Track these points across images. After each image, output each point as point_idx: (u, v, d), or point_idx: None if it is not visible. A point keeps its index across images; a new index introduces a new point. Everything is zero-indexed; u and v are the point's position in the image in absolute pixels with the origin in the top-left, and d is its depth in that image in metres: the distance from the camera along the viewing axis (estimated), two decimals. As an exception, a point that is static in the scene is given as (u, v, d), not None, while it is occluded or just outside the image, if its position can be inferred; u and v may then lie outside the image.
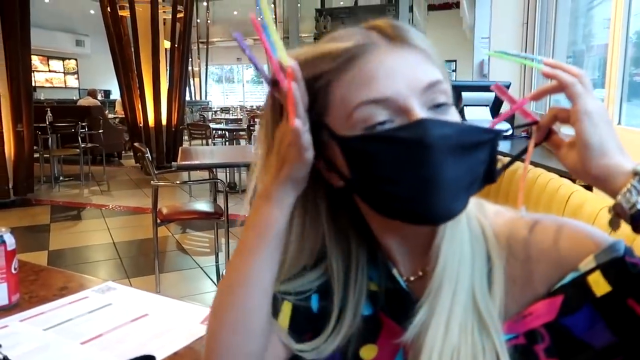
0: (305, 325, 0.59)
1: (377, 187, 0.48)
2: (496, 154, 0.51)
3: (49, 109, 6.66)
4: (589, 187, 1.56)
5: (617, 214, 0.46)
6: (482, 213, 0.56)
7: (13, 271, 0.92)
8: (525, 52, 3.40)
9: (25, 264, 1.10)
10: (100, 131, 7.14)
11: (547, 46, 2.86)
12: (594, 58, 3.29)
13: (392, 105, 0.47)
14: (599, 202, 0.88)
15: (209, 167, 3.34)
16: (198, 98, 17.81)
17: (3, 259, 0.90)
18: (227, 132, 7.38)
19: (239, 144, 7.02)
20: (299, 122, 0.46)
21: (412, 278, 0.58)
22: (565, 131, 0.54)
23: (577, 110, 0.47)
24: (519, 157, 0.56)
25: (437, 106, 0.49)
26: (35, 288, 1.01)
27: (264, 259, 0.53)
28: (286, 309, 0.59)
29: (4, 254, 0.90)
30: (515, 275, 0.51)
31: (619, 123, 1.37)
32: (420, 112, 0.47)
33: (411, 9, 8.54)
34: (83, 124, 6.80)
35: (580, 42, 3.29)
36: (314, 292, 0.60)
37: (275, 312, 0.58)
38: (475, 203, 0.56)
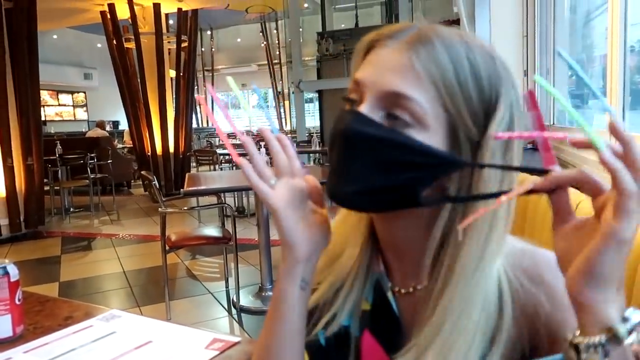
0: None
1: None
2: (435, 179, 0.49)
3: (58, 142, 6.76)
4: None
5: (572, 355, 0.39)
6: (508, 265, 0.51)
7: (17, 302, 0.92)
8: (527, 65, 3.41)
9: (30, 295, 1.10)
10: (109, 161, 7.22)
11: (548, 57, 2.87)
12: (597, 68, 3.29)
13: (360, 89, 0.52)
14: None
15: (216, 192, 3.35)
16: (205, 125, 18.01)
17: (6, 290, 0.90)
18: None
19: (246, 168, 7.05)
20: (257, 184, 0.50)
21: (402, 290, 0.58)
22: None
23: (610, 228, 0.36)
24: (496, 195, 0.45)
25: (391, 116, 0.49)
26: (40, 319, 1.00)
27: (281, 332, 0.55)
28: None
29: (7, 285, 0.90)
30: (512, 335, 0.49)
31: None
32: (364, 106, 0.51)
33: (411, 28, 8.63)
34: (92, 155, 6.89)
35: (581, 52, 3.29)
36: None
37: None
38: (506, 256, 0.51)
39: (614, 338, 0.37)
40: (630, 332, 0.37)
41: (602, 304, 0.38)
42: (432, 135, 0.49)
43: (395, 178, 0.48)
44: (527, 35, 3.37)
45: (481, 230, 0.47)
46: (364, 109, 0.50)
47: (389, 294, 0.58)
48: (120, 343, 0.88)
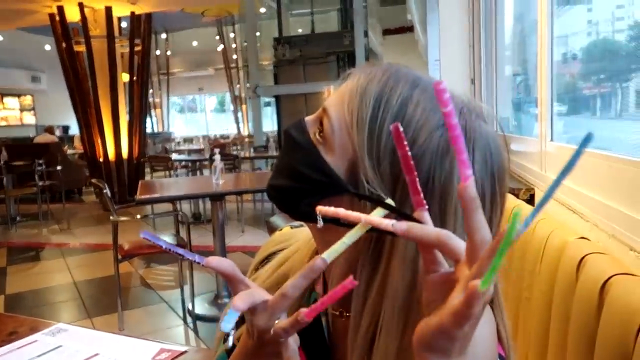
0: None
1: None
2: (321, 198, 0.49)
3: (3, 148, 6.49)
4: (530, 202, 1.65)
5: None
6: None
7: (-43, 319, 0.90)
8: (474, 73, 3.55)
9: (-28, 311, 1.07)
10: (59, 168, 6.98)
11: (491, 66, 3.01)
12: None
13: None
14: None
15: (170, 200, 3.32)
16: (160, 129, 17.66)
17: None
18: (190, 163, 7.33)
19: (202, 174, 6.98)
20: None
21: (337, 313, 0.58)
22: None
23: (448, 320, 0.34)
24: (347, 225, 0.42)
25: (319, 130, 0.53)
26: (-18, 335, 0.99)
27: None
28: None
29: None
30: None
31: (552, 140, 1.47)
32: (310, 116, 0.55)
33: (366, 34, 8.78)
34: (40, 161, 6.64)
35: (525, 62, 3.46)
36: None
37: None
38: None
39: None
40: None
41: None
42: (336, 160, 0.50)
43: (292, 183, 0.52)
44: (472, 45, 3.52)
45: (407, 257, 0.46)
46: (308, 117, 0.54)
47: (322, 316, 0.59)
48: (66, 357, 0.89)
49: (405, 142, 0.38)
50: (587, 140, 0.32)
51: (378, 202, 0.43)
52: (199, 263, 0.46)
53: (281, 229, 0.74)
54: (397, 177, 0.47)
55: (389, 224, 0.39)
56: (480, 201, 0.44)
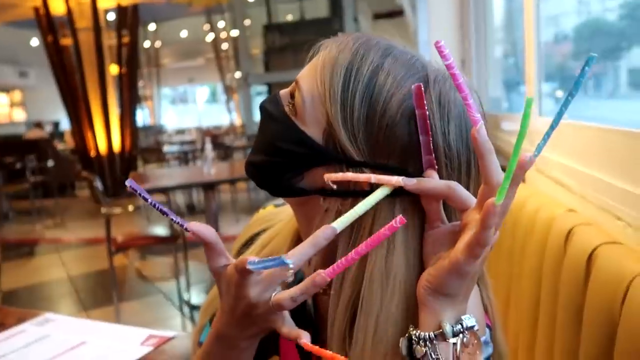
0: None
1: None
2: (303, 170, 0.49)
3: (-7, 145, 6.43)
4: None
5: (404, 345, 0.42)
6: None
7: (-58, 312, 0.89)
8: (464, 54, 3.54)
9: (-41, 305, 1.06)
10: (50, 164, 6.93)
11: (482, 46, 3.00)
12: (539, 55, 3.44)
13: None
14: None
15: (161, 191, 3.30)
16: (152, 122, 17.53)
17: None
18: (182, 154, 7.30)
19: (195, 164, 6.95)
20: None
21: (320, 291, 0.57)
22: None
23: (456, 260, 0.39)
24: (367, 193, 0.44)
25: (290, 102, 0.51)
26: (-31, 328, 0.98)
27: None
28: None
29: None
30: None
31: (540, 115, 1.46)
32: (284, 90, 0.53)
33: (356, 19, 8.72)
34: (31, 157, 6.58)
35: (515, 42, 3.45)
36: None
37: None
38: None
39: (441, 335, 0.41)
40: (457, 334, 0.41)
41: (440, 309, 0.41)
42: (309, 132, 0.49)
43: (270, 158, 0.51)
44: (462, 26, 3.50)
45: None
46: (282, 91, 0.53)
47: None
48: (54, 346, 0.88)
49: (425, 103, 0.42)
50: (590, 60, 0.35)
51: (378, 167, 0.45)
52: (181, 225, 0.45)
53: (265, 207, 0.73)
54: (373, 145, 0.46)
55: (399, 179, 0.42)
56: (457, 170, 0.44)
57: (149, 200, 0.44)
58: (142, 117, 16.45)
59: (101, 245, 4.61)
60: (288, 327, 0.45)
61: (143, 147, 8.33)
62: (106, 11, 7.70)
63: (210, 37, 15.35)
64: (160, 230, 3.35)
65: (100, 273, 3.92)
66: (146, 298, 3.40)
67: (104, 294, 3.40)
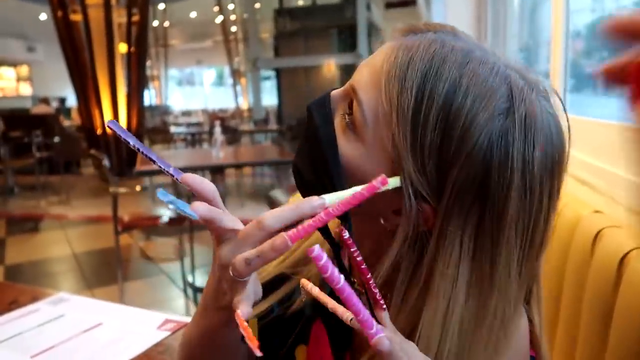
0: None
1: None
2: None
3: (0, 118, 6.41)
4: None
5: None
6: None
7: (-43, 287, 0.88)
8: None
9: (-28, 280, 1.06)
10: (56, 140, 6.92)
11: (499, 40, 2.95)
12: (544, 52, 3.39)
13: None
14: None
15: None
16: (159, 102, 17.49)
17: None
18: (189, 136, 7.28)
19: (202, 147, 6.93)
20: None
21: (363, 290, 0.55)
22: None
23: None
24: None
25: (349, 112, 0.45)
26: (-18, 304, 0.97)
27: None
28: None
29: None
30: None
31: (564, 110, 1.43)
32: (337, 91, 0.47)
33: (369, 7, 8.61)
34: (37, 132, 6.57)
35: (529, 37, 3.40)
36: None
37: None
38: None
39: None
40: None
41: None
42: (370, 156, 0.43)
43: (310, 176, 0.45)
44: (480, 18, 3.44)
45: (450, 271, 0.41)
46: (334, 92, 0.47)
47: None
48: (69, 326, 0.87)
49: (354, 248, 0.37)
50: None
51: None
52: (172, 175, 0.41)
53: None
54: (444, 178, 0.41)
55: (348, 318, 0.39)
56: (538, 199, 0.41)
57: (131, 143, 0.40)
58: (149, 97, 16.41)
59: (105, 224, 4.62)
60: (241, 298, 0.40)
61: (150, 127, 8.31)
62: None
63: (219, 19, 15.23)
64: (165, 211, 3.35)
65: (105, 252, 3.93)
66: (150, 278, 3.41)
67: (108, 273, 3.41)
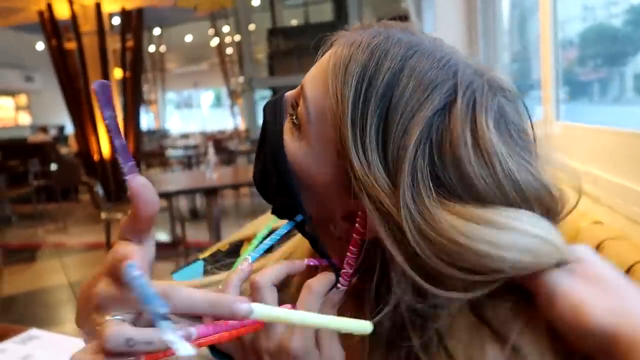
0: None
1: None
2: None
3: (-4, 149, 6.41)
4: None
5: None
6: None
7: None
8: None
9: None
10: (53, 167, 6.89)
11: (490, 52, 2.93)
12: (535, 62, 3.38)
13: None
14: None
15: (161, 196, 3.25)
16: (157, 126, 17.56)
17: None
18: (185, 159, 7.26)
19: (198, 169, 6.91)
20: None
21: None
22: None
23: None
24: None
25: (292, 113, 0.43)
26: (-51, 345, 0.91)
27: None
28: None
29: None
30: None
31: (558, 119, 1.40)
32: (290, 92, 0.45)
33: (361, 23, 8.70)
34: (34, 160, 6.55)
35: (520, 48, 3.40)
36: None
37: None
38: None
39: None
40: None
41: None
42: (313, 152, 0.40)
43: (261, 181, 0.44)
44: (470, 32, 3.44)
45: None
46: (288, 93, 0.45)
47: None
48: (36, 367, 0.81)
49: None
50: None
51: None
52: (125, 175, 0.33)
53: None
54: (394, 174, 0.36)
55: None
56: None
57: (106, 114, 0.34)
58: (147, 121, 16.47)
59: (103, 250, 4.56)
60: None
61: (146, 151, 8.29)
62: (111, 15, 7.69)
63: (215, 41, 15.37)
64: (161, 235, 3.29)
65: (101, 279, 3.86)
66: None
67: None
